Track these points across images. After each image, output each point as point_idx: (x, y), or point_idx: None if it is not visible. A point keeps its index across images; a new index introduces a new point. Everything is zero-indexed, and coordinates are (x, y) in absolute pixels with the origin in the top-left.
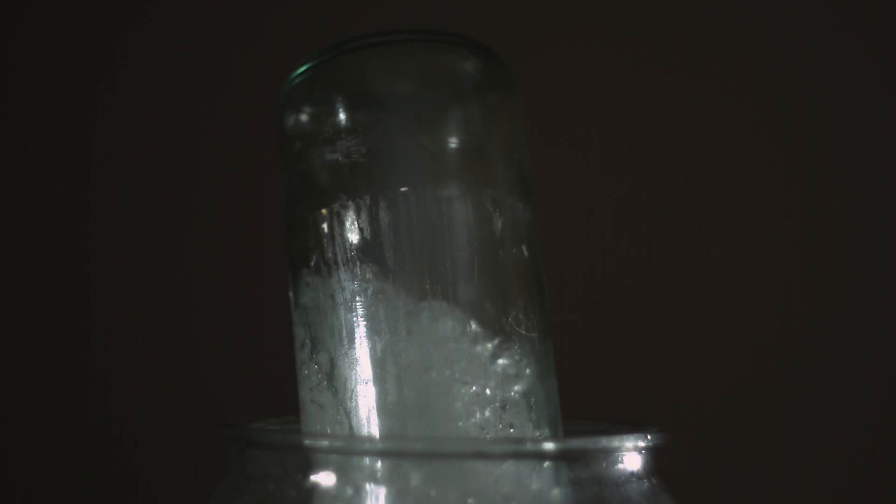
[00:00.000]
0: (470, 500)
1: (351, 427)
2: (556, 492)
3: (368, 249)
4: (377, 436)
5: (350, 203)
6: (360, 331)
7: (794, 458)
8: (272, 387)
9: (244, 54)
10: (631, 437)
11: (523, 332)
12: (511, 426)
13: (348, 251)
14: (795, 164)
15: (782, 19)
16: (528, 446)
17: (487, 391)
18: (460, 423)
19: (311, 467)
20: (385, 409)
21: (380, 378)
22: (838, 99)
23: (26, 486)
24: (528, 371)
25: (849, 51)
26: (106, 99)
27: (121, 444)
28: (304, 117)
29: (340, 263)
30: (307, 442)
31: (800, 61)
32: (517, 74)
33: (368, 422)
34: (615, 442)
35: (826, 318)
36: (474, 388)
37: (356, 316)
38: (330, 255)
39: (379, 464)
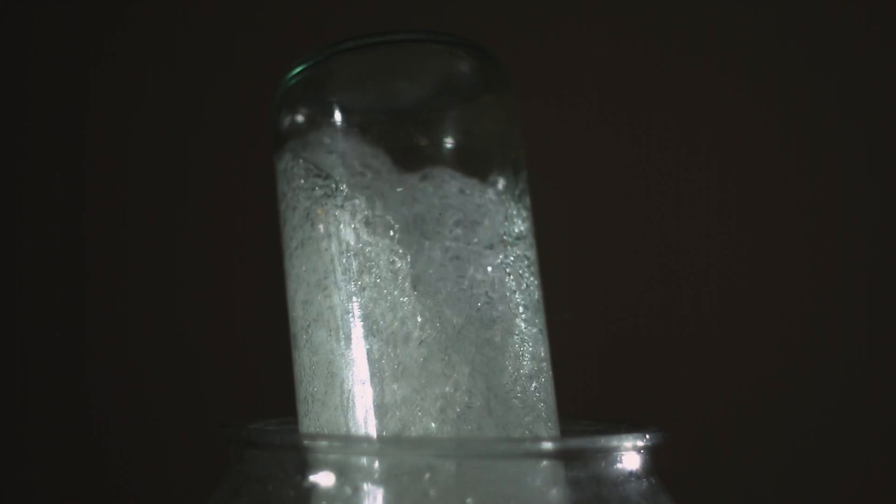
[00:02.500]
0: (469, 500)
1: (348, 425)
2: (554, 491)
3: (364, 250)
4: (375, 436)
5: (346, 204)
6: (357, 331)
7: (793, 457)
8: (271, 388)
9: (240, 55)
10: (630, 436)
11: (517, 329)
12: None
13: (344, 252)
14: (797, 163)
15: (783, 7)
16: (527, 446)
17: (491, 383)
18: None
19: (310, 467)
20: (382, 407)
21: (377, 377)
22: (847, 86)
23: (24, 487)
24: (523, 362)
25: (853, 36)
26: (100, 98)
27: (119, 445)
28: (299, 118)
29: (336, 264)
30: (306, 442)
31: (806, 57)
32: (513, 73)
33: (366, 422)
34: (614, 441)
35: (828, 318)
36: (475, 384)
37: (352, 316)
38: (326, 255)
39: (377, 464)
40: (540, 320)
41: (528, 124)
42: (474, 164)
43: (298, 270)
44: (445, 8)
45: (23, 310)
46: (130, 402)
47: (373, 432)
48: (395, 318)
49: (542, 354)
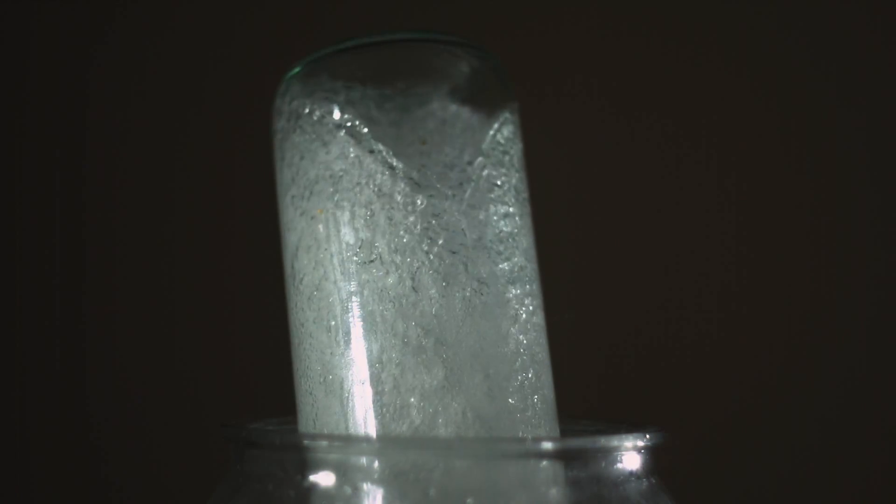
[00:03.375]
0: (469, 500)
1: (347, 424)
2: (554, 491)
3: (364, 248)
4: (375, 436)
5: (345, 203)
6: (356, 331)
7: (793, 457)
8: (271, 387)
9: (238, 55)
10: (630, 436)
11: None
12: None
13: (343, 251)
14: (799, 166)
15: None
16: (528, 446)
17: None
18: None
19: (310, 467)
20: (381, 406)
21: (375, 378)
22: (852, 82)
23: (24, 488)
24: (522, 355)
25: (856, 31)
26: (96, 97)
27: (119, 445)
28: (298, 117)
29: (336, 264)
30: (306, 442)
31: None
32: (513, 71)
33: (366, 423)
34: (614, 441)
35: (829, 320)
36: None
37: (352, 316)
38: (325, 254)
39: (377, 463)
40: (539, 315)
41: (527, 122)
42: (473, 161)
43: (298, 221)
44: (445, 6)
45: (21, 311)
46: (129, 403)
47: (370, 424)
48: (395, 323)
49: (541, 348)
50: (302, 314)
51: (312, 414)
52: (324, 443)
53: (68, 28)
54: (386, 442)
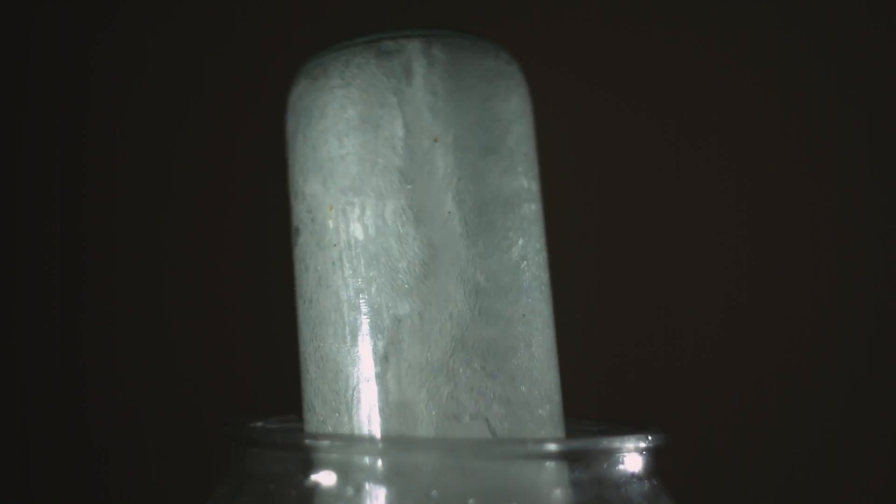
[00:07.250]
0: (471, 501)
1: (351, 422)
2: (557, 492)
3: (374, 246)
4: (378, 436)
5: (356, 200)
6: (364, 328)
7: (794, 460)
8: (271, 387)
9: (252, 49)
10: (632, 437)
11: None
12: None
13: (353, 248)
14: (804, 169)
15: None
16: (530, 447)
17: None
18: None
19: (312, 466)
20: (386, 406)
21: (380, 376)
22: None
23: (23, 488)
24: (532, 354)
25: (862, 26)
26: (96, 96)
27: (119, 445)
28: (311, 112)
29: (345, 260)
30: (308, 441)
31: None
32: (525, 66)
33: (370, 421)
34: (616, 443)
35: (831, 324)
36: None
37: (360, 313)
38: (335, 251)
39: (379, 463)
40: (548, 314)
41: (536, 118)
42: (486, 157)
43: (307, 215)
44: (456, 2)
45: (21, 311)
46: (129, 402)
47: (374, 422)
48: (402, 322)
49: (549, 350)
50: (309, 308)
51: (317, 409)
52: (326, 442)
53: (67, 26)
54: (388, 442)
